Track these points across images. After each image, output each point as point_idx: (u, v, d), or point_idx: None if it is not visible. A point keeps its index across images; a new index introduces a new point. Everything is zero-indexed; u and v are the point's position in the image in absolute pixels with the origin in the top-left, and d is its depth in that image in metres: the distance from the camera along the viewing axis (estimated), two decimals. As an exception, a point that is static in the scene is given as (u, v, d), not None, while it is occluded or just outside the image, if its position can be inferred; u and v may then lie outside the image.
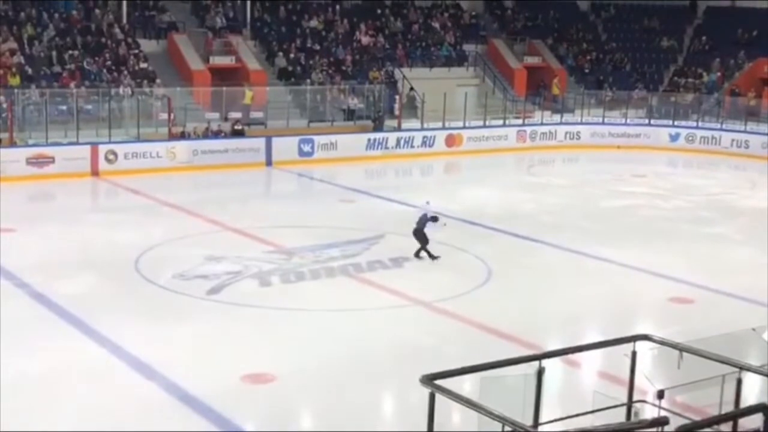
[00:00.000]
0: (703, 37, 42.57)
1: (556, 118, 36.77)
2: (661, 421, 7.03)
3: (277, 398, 11.39)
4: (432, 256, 17.63)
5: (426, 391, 7.35)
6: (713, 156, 33.98)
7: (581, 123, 36.38)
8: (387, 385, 12.01)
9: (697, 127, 35.72)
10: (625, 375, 8.70)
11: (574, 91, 39.55)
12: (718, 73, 40.23)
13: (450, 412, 8.52)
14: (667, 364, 8.35)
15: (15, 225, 19.85)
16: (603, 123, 36.41)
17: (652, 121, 36.99)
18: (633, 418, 8.35)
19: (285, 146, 29.49)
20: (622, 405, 8.48)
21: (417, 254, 17.73)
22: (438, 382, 7.35)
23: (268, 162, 29.10)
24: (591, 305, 15.71)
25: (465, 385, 7.89)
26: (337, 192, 25.69)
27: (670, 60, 42.62)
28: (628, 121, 36.85)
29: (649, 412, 8.44)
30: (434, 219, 17.82)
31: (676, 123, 36.28)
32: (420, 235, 17.65)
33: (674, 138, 35.51)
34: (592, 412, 8.23)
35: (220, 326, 13.96)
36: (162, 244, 18.66)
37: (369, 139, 31.51)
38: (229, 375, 11.74)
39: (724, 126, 35.60)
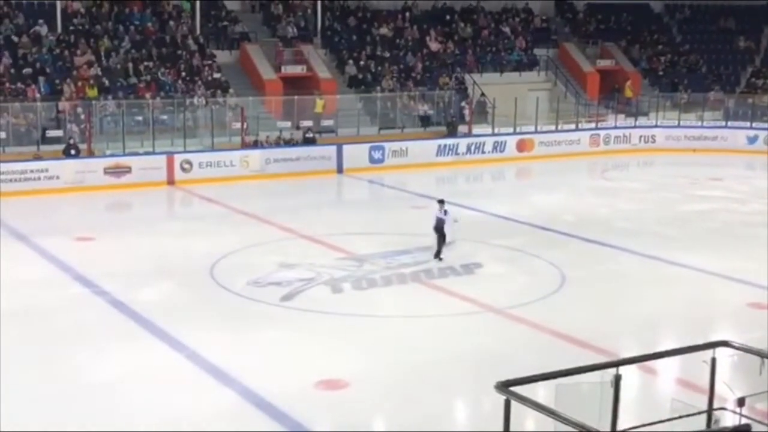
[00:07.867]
0: (782, 37, 41.69)
1: (630, 121, 36.29)
2: (743, 429, 6.86)
3: (351, 404, 11.42)
4: (438, 255, 17.94)
5: (500, 398, 7.28)
6: (793, 158, 33.12)
7: (656, 126, 35.81)
8: (460, 391, 11.95)
9: (775, 129, 34.92)
10: (703, 382, 8.51)
11: (648, 93, 38.97)
12: (797, 74, 39.32)
13: (523, 420, 8.44)
14: (748, 371, 8.15)
15: (93, 234, 20.35)
16: (678, 126, 35.78)
17: (729, 124, 36.16)
18: (713, 426, 8.17)
19: (356, 153, 29.63)
20: (701, 412, 8.30)
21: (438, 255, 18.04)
22: (513, 389, 7.28)
23: (339, 169, 29.26)
24: (668, 311, 15.41)
25: (539, 392, 7.80)
26: (408, 198, 25.69)
27: (747, 61, 41.70)
28: (704, 123, 36.10)
29: (729, 420, 8.26)
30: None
31: (754, 125, 35.44)
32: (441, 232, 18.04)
33: (752, 140, 34.66)
34: (671, 419, 8.08)
35: (294, 332, 14.07)
36: (236, 251, 18.88)
37: (439, 146, 31.46)
38: (303, 381, 11.82)
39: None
